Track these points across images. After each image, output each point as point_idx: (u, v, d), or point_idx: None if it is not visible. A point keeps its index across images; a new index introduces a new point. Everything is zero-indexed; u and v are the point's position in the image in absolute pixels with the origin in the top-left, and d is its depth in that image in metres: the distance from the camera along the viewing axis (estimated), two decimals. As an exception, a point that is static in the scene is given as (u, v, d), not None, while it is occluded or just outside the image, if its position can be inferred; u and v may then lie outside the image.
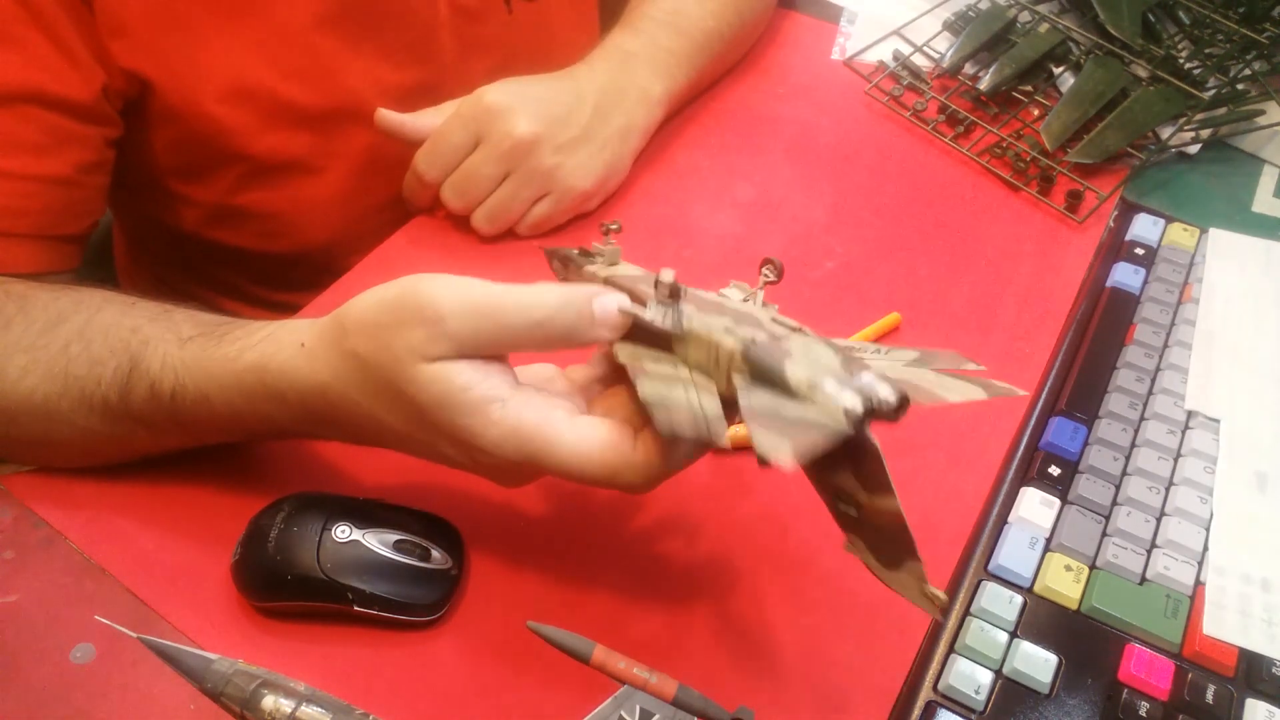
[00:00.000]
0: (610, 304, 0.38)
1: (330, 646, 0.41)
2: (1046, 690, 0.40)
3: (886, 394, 0.33)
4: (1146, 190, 0.67)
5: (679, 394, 0.35)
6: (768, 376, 0.35)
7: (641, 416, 0.38)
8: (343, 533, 0.41)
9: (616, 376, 0.41)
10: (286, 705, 0.34)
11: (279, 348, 0.41)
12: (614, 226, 0.45)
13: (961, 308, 0.59)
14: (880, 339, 0.57)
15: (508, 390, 0.38)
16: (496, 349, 0.38)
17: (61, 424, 0.45)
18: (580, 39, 0.72)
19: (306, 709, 0.34)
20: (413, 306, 0.36)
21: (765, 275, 0.43)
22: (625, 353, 0.38)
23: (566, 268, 0.47)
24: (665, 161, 0.68)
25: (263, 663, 0.35)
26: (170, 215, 0.66)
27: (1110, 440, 0.50)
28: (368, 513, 0.43)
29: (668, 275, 0.38)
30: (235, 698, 0.34)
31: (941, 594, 0.34)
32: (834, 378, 0.34)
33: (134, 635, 0.34)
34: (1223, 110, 0.71)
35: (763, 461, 0.31)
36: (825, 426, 0.32)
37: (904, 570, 0.34)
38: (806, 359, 0.35)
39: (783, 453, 0.31)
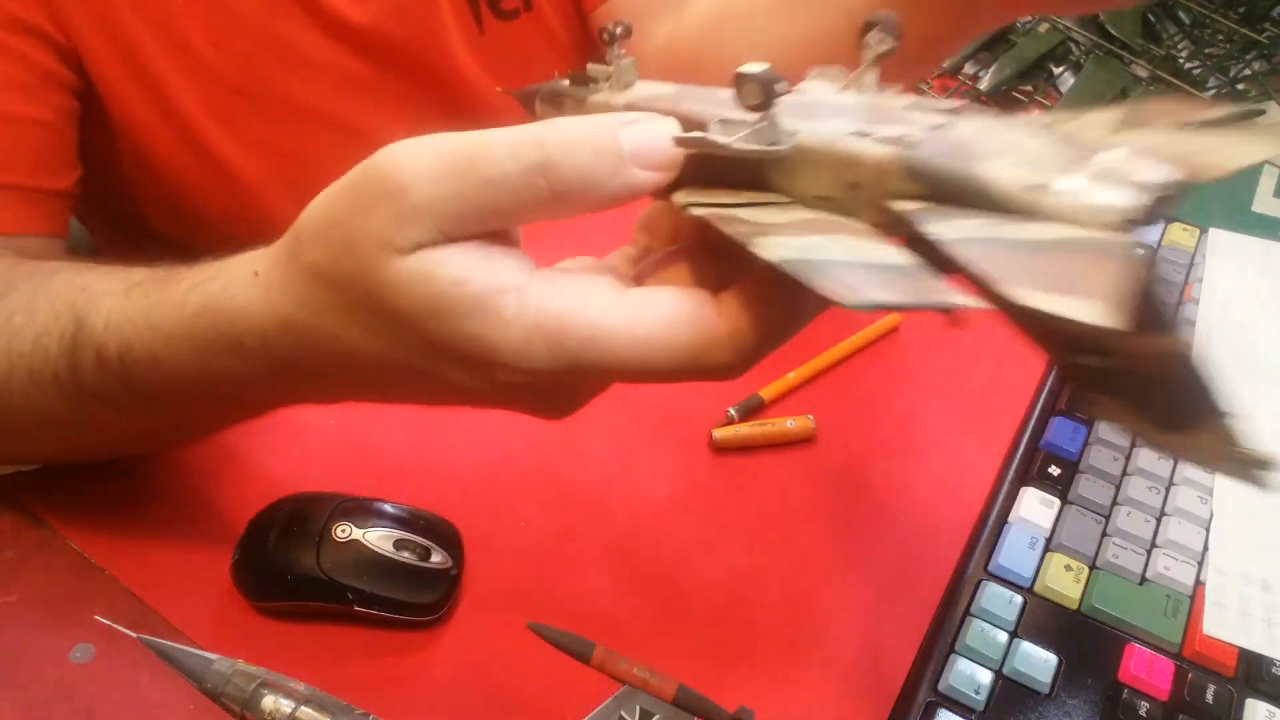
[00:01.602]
0: (649, 132, 0.27)
1: (330, 646, 0.41)
2: (1046, 690, 0.40)
3: (1165, 174, 0.22)
4: (1146, 190, 0.67)
5: (838, 248, 0.24)
6: (955, 191, 0.24)
7: (712, 279, 0.28)
8: (343, 533, 0.41)
9: (669, 253, 0.31)
10: (286, 705, 0.34)
11: (229, 280, 0.33)
12: (618, 30, 0.33)
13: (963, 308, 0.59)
14: (879, 340, 0.56)
15: (521, 274, 0.28)
16: (489, 218, 0.28)
17: (17, 411, 0.40)
18: (553, 66, 0.71)
19: (306, 709, 0.34)
20: (371, 182, 0.28)
21: (873, 45, 0.30)
22: (699, 201, 0.27)
23: (559, 108, 0.35)
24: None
25: (263, 663, 0.35)
26: (141, 229, 0.64)
27: (1110, 440, 0.50)
28: (368, 513, 0.43)
29: (755, 68, 0.25)
30: (235, 698, 0.34)
31: (1263, 453, 0.23)
32: (1063, 169, 0.23)
33: (134, 635, 0.34)
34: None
35: (1071, 339, 0.21)
36: (1115, 248, 0.21)
37: (1200, 430, 0.24)
38: (1002, 151, 0.24)
39: (1102, 310, 0.19)
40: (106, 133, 0.56)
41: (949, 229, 0.23)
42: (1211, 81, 0.70)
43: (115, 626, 0.34)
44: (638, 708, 0.38)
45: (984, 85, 0.71)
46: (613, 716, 0.38)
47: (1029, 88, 0.73)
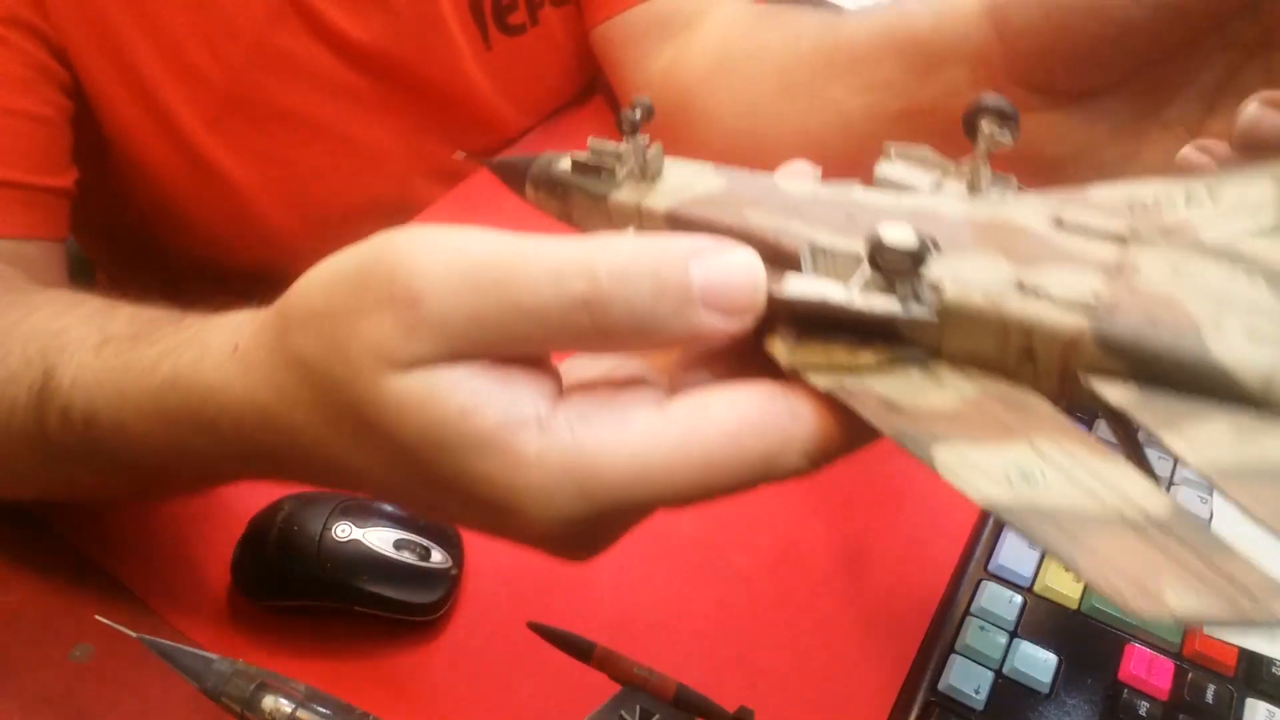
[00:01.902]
0: (729, 269, 0.22)
1: (330, 646, 0.41)
2: (1046, 690, 0.40)
3: None
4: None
5: (1056, 477, 0.19)
6: (1175, 374, 0.19)
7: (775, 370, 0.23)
8: (343, 532, 0.41)
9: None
10: (286, 705, 0.34)
11: (204, 351, 0.29)
12: (638, 115, 0.26)
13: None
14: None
15: (543, 401, 0.23)
16: (512, 346, 0.23)
17: None
18: (560, 80, 0.70)
19: (306, 709, 0.34)
20: (377, 280, 0.23)
21: (987, 133, 0.24)
22: (814, 363, 0.22)
23: (564, 201, 0.29)
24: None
25: (263, 663, 0.35)
26: (140, 243, 0.63)
27: (1110, 440, 0.50)
28: (368, 512, 0.43)
29: (901, 236, 0.20)
30: (235, 698, 0.34)
31: None
32: None
33: (134, 635, 0.34)
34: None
35: None
36: None
37: None
38: (1218, 309, 0.19)
39: None
40: (98, 140, 0.55)
41: (1198, 450, 0.18)
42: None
43: (115, 626, 0.34)
44: (638, 708, 0.38)
45: (984, 85, 0.71)
46: (613, 716, 0.38)
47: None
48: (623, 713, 0.38)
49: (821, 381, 0.22)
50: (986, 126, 0.24)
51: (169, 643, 0.34)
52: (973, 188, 0.25)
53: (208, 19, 0.54)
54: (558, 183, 0.29)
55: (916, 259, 0.20)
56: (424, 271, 0.22)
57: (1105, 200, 0.24)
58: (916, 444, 0.20)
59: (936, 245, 0.21)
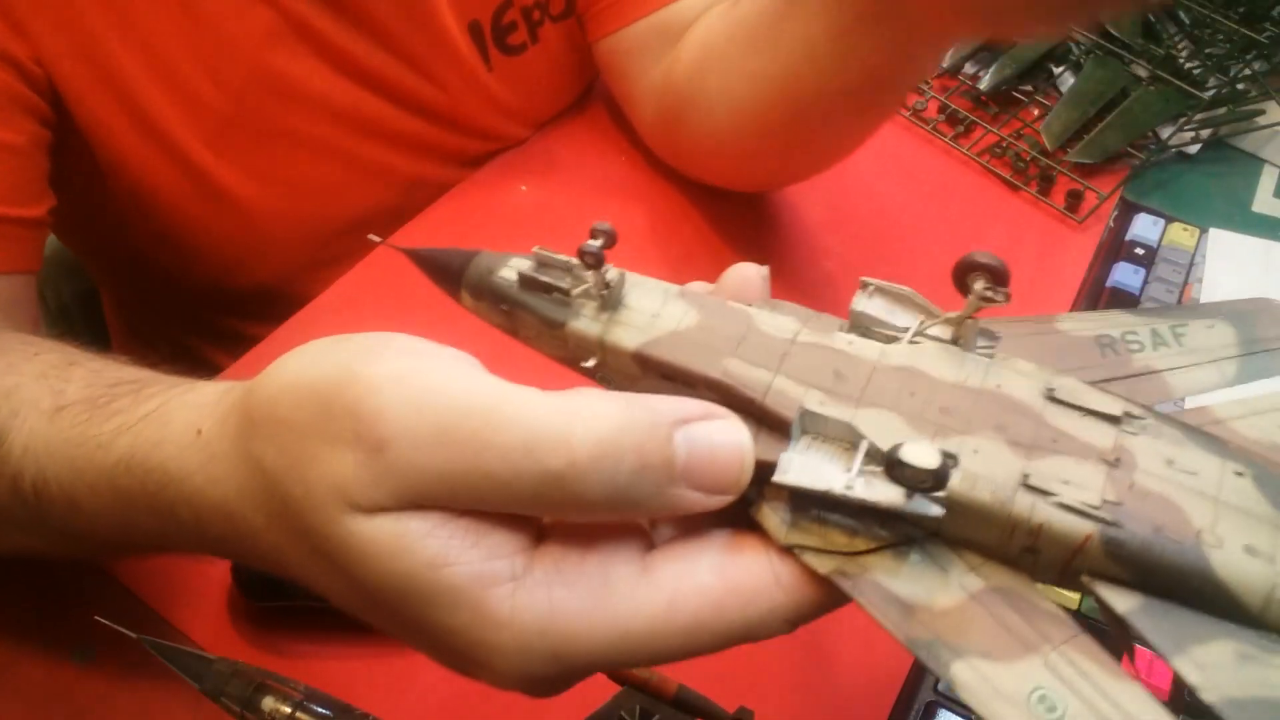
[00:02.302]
0: (715, 443, 0.22)
1: (330, 646, 0.41)
2: (1046, 690, 0.40)
3: None
4: (1146, 190, 0.67)
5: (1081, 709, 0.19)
6: (1179, 587, 0.20)
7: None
8: (343, 533, 0.41)
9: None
10: (285, 706, 0.34)
11: (165, 433, 0.27)
12: (599, 244, 0.24)
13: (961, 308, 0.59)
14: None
15: (517, 558, 0.22)
16: (479, 506, 0.22)
17: None
18: (559, 91, 0.70)
19: (306, 709, 0.34)
20: (343, 409, 0.21)
21: (978, 291, 0.24)
22: (812, 546, 0.22)
23: (511, 319, 0.26)
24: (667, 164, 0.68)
25: (263, 663, 0.35)
26: (126, 255, 0.63)
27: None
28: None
29: (925, 457, 0.20)
30: (235, 698, 0.34)
31: None
32: None
33: (134, 635, 0.34)
34: (1223, 110, 0.71)
35: None
36: None
37: None
38: (1217, 518, 0.20)
39: None
40: (95, 166, 0.55)
41: (1208, 677, 0.19)
42: (1211, 81, 0.70)
43: (115, 626, 0.34)
44: (637, 708, 0.38)
45: (984, 85, 0.70)
46: (613, 716, 0.38)
47: (1029, 88, 0.72)
48: (623, 713, 0.38)
49: (819, 565, 0.22)
50: (979, 286, 0.24)
51: (169, 643, 0.34)
52: (959, 343, 0.25)
53: (205, 42, 0.53)
54: (502, 297, 0.26)
55: (938, 478, 0.20)
56: (392, 416, 0.21)
57: (1078, 335, 0.25)
58: (933, 657, 0.20)
59: (956, 461, 0.21)
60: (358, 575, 0.22)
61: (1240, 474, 0.21)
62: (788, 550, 0.22)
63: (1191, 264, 0.61)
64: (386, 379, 0.22)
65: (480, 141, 0.66)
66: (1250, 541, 0.20)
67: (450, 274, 0.27)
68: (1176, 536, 0.20)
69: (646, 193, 0.65)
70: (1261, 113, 0.72)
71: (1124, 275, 0.60)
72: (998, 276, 0.23)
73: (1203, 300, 0.58)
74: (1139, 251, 0.62)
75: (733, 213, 0.64)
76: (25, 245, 0.49)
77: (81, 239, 0.66)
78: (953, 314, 0.25)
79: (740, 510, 0.23)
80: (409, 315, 0.56)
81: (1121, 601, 0.20)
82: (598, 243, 0.24)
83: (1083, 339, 0.26)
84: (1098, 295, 0.59)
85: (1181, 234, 0.63)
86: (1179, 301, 0.59)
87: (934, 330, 0.25)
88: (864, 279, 0.26)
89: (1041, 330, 0.26)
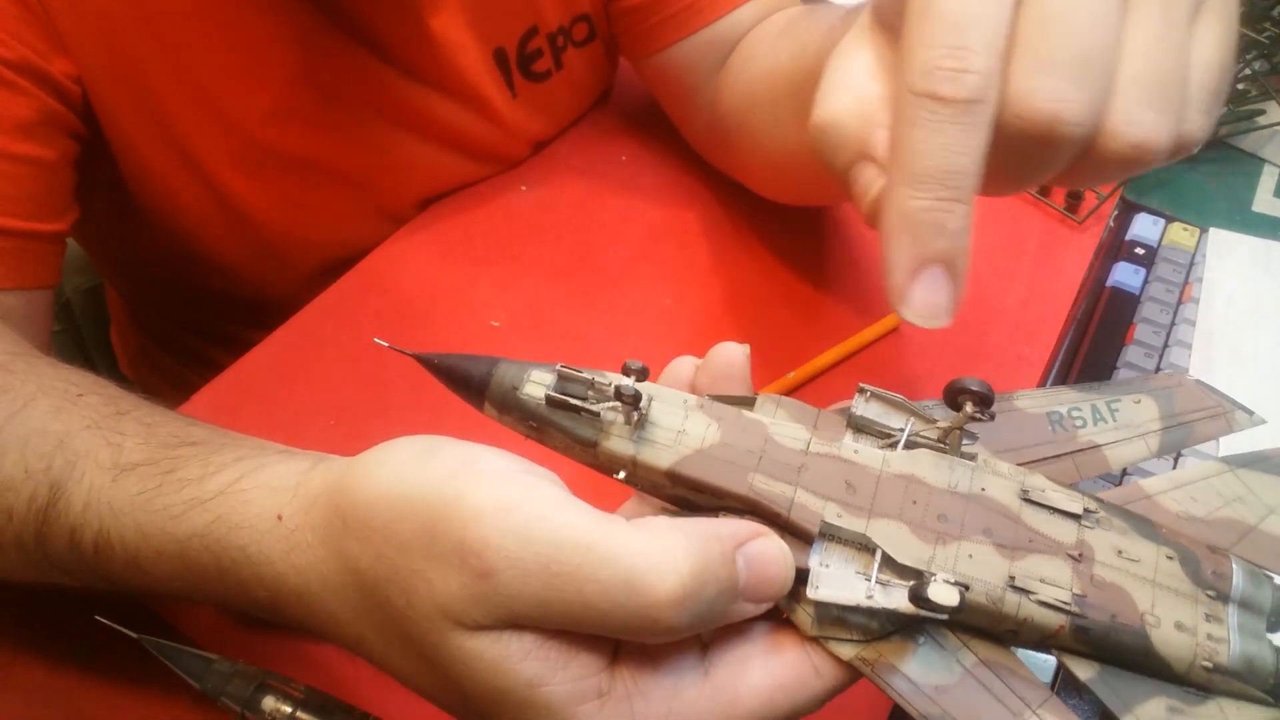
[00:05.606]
0: (767, 562, 0.26)
1: (330, 647, 0.41)
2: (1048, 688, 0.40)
3: None
4: (1146, 190, 0.67)
5: None
6: (1128, 660, 0.26)
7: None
8: (343, 533, 0.41)
9: None
10: (286, 706, 0.34)
11: (244, 514, 0.29)
12: (627, 383, 0.26)
13: (961, 308, 0.59)
14: (879, 340, 0.56)
15: (603, 676, 0.25)
16: (573, 628, 0.25)
17: None
18: (576, 109, 0.70)
19: (306, 709, 0.34)
20: (445, 532, 0.24)
21: (968, 411, 0.28)
22: (840, 637, 0.27)
23: (540, 434, 0.29)
24: (667, 164, 0.68)
25: (263, 663, 0.35)
26: (139, 267, 0.64)
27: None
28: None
29: (948, 595, 0.24)
30: (235, 698, 0.34)
31: None
32: (1251, 634, 0.26)
33: (134, 635, 0.34)
34: (1223, 110, 0.71)
35: None
36: None
37: None
38: (1152, 595, 0.26)
39: None
40: (120, 178, 0.55)
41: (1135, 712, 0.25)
42: (1211, 81, 0.71)
43: (115, 626, 0.34)
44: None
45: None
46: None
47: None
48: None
49: (843, 651, 0.26)
50: (968, 408, 0.28)
51: (169, 643, 0.34)
52: (947, 447, 0.29)
53: (238, 68, 0.54)
54: (531, 415, 0.28)
55: (955, 613, 0.24)
56: (498, 546, 0.24)
57: (1033, 413, 0.31)
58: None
59: (968, 588, 0.25)
60: (459, 682, 0.25)
61: (1170, 557, 0.26)
62: (815, 639, 0.27)
63: (1192, 264, 0.61)
64: (489, 509, 0.24)
65: (494, 165, 0.66)
66: (1179, 618, 0.26)
67: (472, 387, 0.29)
68: (1127, 621, 0.25)
69: (646, 193, 0.65)
70: (1262, 113, 0.72)
71: (1124, 275, 0.60)
72: (984, 401, 0.27)
73: (1202, 301, 0.58)
74: (1139, 251, 0.62)
75: (732, 212, 0.64)
76: (47, 261, 0.49)
77: (97, 241, 0.67)
78: (943, 423, 0.29)
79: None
80: (409, 314, 0.56)
81: (1082, 670, 0.26)
82: (632, 381, 0.27)
83: (1036, 415, 0.31)
84: (1098, 295, 0.59)
85: (1182, 234, 0.63)
86: (1179, 301, 0.59)
87: (925, 432, 0.29)
88: (861, 385, 0.30)
89: (1003, 409, 0.31)
